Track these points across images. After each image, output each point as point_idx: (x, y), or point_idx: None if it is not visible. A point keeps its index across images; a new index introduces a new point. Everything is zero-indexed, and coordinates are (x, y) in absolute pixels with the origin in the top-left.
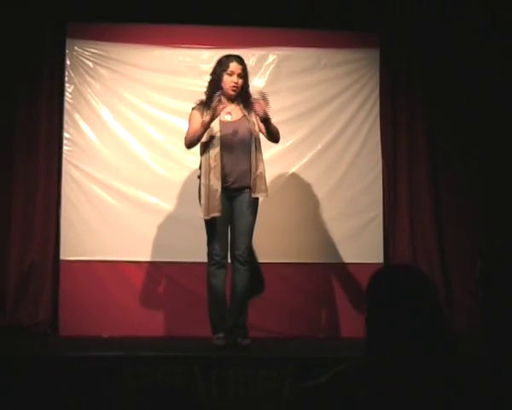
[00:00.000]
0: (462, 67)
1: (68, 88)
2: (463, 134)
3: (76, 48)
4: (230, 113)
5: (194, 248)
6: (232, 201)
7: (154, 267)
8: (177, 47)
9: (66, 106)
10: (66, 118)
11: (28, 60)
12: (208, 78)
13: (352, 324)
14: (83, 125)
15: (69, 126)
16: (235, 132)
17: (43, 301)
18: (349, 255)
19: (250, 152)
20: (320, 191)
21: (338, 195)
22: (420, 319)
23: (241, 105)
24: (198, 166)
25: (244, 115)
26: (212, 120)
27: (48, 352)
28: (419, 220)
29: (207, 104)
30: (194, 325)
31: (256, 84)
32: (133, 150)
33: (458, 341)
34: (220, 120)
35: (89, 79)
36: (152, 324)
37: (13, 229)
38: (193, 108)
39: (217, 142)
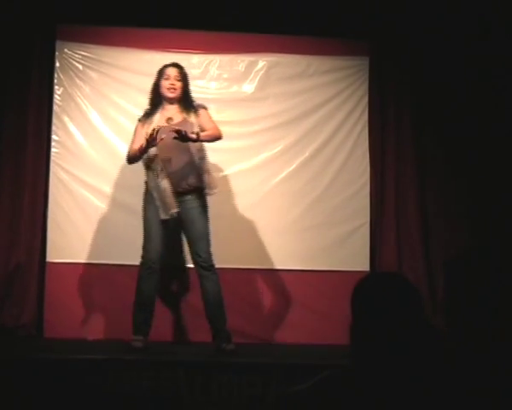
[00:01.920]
0: (451, 75)
1: (57, 90)
2: (452, 142)
3: (66, 50)
4: (172, 117)
5: (181, 254)
6: (179, 206)
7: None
8: (167, 51)
9: (55, 108)
10: (54, 120)
11: (17, 61)
12: (197, 82)
13: (336, 331)
14: (71, 127)
15: (58, 129)
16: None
17: (28, 302)
18: (335, 263)
19: (191, 154)
20: (307, 198)
21: (325, 202)
22: (405, 326)
23: (182, 108)
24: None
25: (184, 118)
26: (148, 147)
27: (32, 354)
28: (406, 228)
29: (148, 115)
30: (178, 330)
31: (245, 89)
32: (121, 154)
33: (445, 349)
34: (159, 126)
35: (78, 81)
36: None
37: None
38: (138, 120)
39: (157, 147)
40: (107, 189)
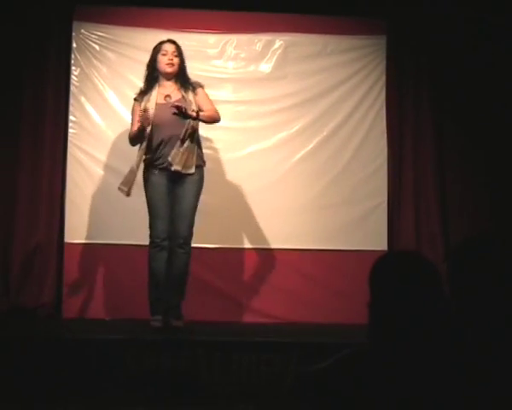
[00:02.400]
0: (470, 53)
1: (74, 71)
2: (470, 122)
3: (82, 31)
4: (170, 95)
5: (199, 233)
6: (175, 183)
7: None
8: (183, 31)
9: (73, 89)
10: (72, 101)
11: (35, 43)
12: (215, 62)
13: (355, 310)
14: (89, 108)
15: (75, 109)
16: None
17: (47, 282)
18: (353, 242)
19: (184, 137)
20: (325, 178)
21: (343, 181)
22: (423, 305)
23: (179, 85)
24: (206, 150)
25: (182, 96)
26: (144, 126)
27: (51, 334)
28: (424, 208)
29: (144, 92)
30: (197, 309)
31: (262, 69)
32: None
33: (462, 328)
34: (156, 103)
35: (95, 62)
36: None
37: (18, 211)
38: (134, 99)
39: (148, 124)
40: (125, 169)
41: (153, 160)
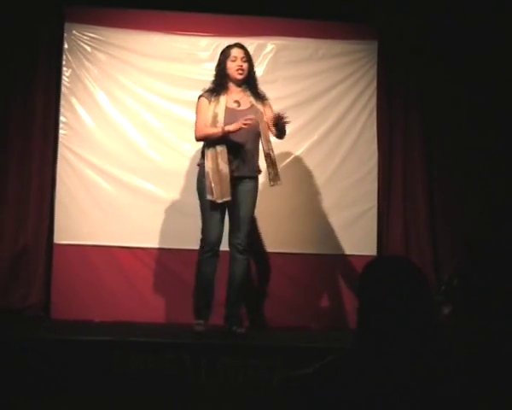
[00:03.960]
0: (461, 59)
1: (66, 72)
2: (460, 127)
3: (74, 32)
4: (239, 101)
5: (187, 235)
6: (233, 189)
7: (146, 253)
8: (175, 34)
9: (63, 90)
10: (62, 102)
11: (26, 43)
12: (205, 65)
13: (343, 315)
14: (79, 109)
15: (65, 110)
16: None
17: (35, 284)
18: (342, 247)
19: (257, 141)
20: (315, 182)
21: (333, 185)
22: (411, 310)
23: (249, 93)
24: (198, 154)
25: (252, 105)
26: (235, 131)
27: (39, 335)
28: (413, 213)
29: (213, 93)
30: (184, 312)
31: None
32: (129, 136)
33: (447, 333)
34: (227, 107)
35: (86, 63)
36: (143, 310)
37: (7, 211)
38: (200, 96)
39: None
40: (115, 170)
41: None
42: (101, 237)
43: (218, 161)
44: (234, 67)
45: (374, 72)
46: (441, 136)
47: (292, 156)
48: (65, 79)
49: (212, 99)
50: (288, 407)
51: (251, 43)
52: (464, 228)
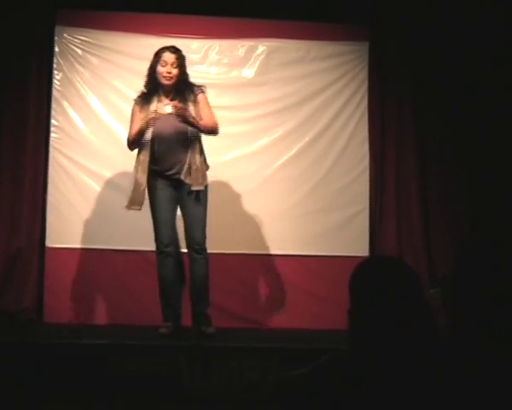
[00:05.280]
0: (452, 60)
1: (57, 75)
2: (452, 129)
3: (65, 35)
4: (169, 105)
5: (180, 238)
6: (179, 190)
7: (140, 256)
8: (166, 36)
9: (55, 93)
10: (54, 105)
11: (17, 46)
12: (197, 67)
13: (335, 316)
14: (71, 112)
15: (57, 114)
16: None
17: (28, 287)
18: (334, 248)
19: (187, 145)
20: (307, 184)
21: (324, 187)
22: (403, 311)
23: (179, 97)
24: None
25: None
26: (144, 132)
27: (32, 338)
28: (405, 214)
29: (145, 97)
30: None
31: (245, 74)
32: (121, 139)
33: (440, 334)
34: (156, 112)
35: (78, 66)
36: (137, 312)
37: (0, 215)
38: (134, 101)
39: (149, 135)
40: (107, 173)
41: (157, 170)
42: (93, 240)
43: (138, 169)
44: (162, 72)
45: (365, 73)
46: (434, 137)
47: (283, 159)
48: (56, 83)
49: (144, 105)
50: (283, 407)
51: (242, 45)
52: (458, 228)
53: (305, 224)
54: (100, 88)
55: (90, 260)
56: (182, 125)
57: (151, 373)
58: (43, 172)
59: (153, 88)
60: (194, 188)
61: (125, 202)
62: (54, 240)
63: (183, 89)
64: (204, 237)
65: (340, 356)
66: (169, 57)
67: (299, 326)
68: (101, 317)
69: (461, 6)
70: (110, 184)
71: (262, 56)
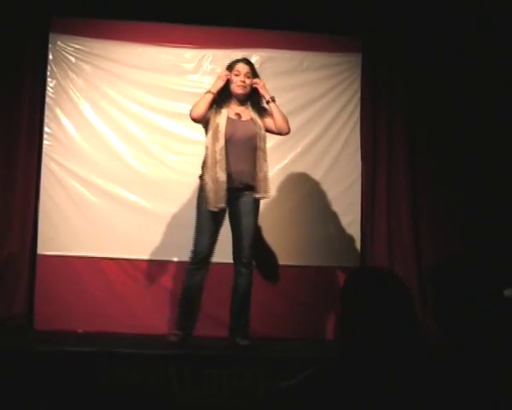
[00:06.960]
0: (444, 72)
1: (50, 82)
2: (444, 140)
3: (59, 43)
4: (240, 114)
5: (171, 247)
6: (232, 201)
7: (131, 264)
8: (160, 45)
9: (48, 100)
10: (47, 112)
11: (11, 53)
12: (190, 76)
13: (326, 326)
14: (64, 120)
15: (50, 121)
16: (240, 131)
17: (19, 294)
18: (325, 258)
19: (254, 153)
20: (298, 194)
21: (316, 198)
22: (393, 321)
23: (251, 108)
24: (182, 164)
25: (252, 118)
26: (217, 88)
27: (22, 345)
28: (397, 225)
29: (217, 102)
30: (168, 324)
31: None
32: (114, 147)
33: (430, 345)
34: (228, 117)
35: (71, 74)
36: (127, 321)
37: None
38: (209, 91)
39: (222, 137)
40: (99, 181)
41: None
42: (85, 247)
43: (217, 169)
44: (236, 81)
45: (358, 84)
46: (426, 147)
47: (275, 168)
48: (49, 90)
49: (214, 110)
50: None
51: (235, 55)
52: (449, 240)
53: (297, 234)
54: (93, 95)
55: (81, 267)
56: (253, 132)
57: (140, 382)
58: (36, 179)
59: (225, 96)
60: (258, 196)
61: (120, 211)
62: (45, 247)
63: (255, 100)
64: (253, 250)
65: (329, 367)
66: (243, 67)
67: (289, 336)
68: (91, 324)
69: (453, 18)
70: (102, 191)
71: (256, 66)
